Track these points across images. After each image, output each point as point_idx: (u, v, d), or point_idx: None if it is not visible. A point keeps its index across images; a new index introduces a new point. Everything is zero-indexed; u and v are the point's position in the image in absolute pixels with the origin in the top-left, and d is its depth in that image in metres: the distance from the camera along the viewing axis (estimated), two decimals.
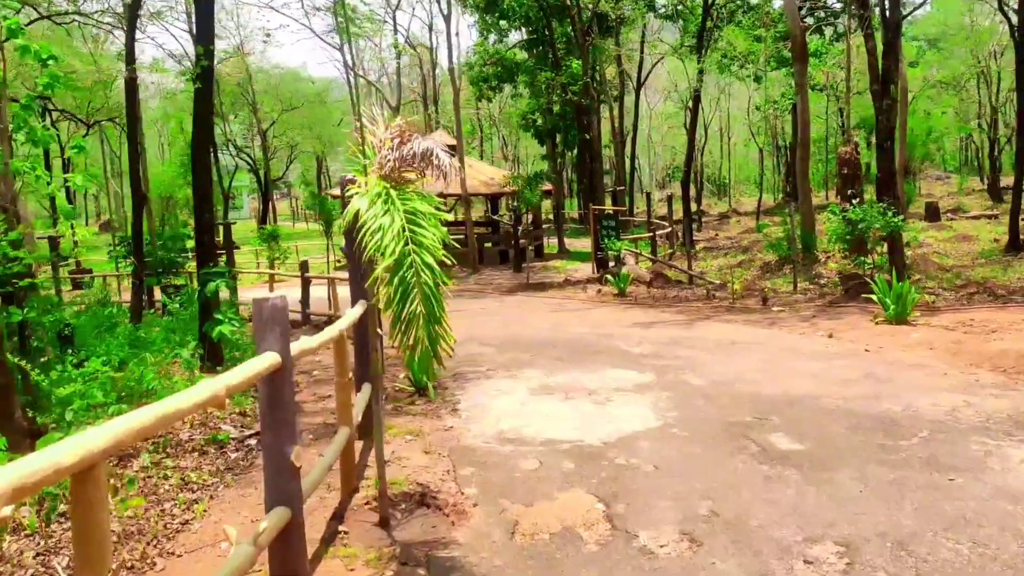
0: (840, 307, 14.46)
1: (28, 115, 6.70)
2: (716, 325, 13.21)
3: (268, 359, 3.69)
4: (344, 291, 11.69)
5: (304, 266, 14.46)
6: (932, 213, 29.34)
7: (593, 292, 18.60)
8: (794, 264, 17.76)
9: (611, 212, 22.69)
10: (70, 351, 9.69)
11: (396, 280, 4.36)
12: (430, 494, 5.54)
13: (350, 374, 5.71)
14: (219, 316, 8.72)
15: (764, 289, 17.07)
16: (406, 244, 4.37)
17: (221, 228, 16.01)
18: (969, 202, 36.96)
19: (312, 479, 4.48)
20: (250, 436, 7.20)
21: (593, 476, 5.99)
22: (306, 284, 14.02)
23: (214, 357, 9.18)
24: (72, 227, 17.12)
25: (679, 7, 35.15)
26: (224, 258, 16.11)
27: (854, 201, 18.33)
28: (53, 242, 17.64)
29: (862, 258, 16.27)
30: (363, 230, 4.41)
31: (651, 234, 24.49)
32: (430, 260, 4.43)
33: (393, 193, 4.53)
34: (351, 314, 5.92)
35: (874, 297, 12.94)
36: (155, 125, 46.81)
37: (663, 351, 10.87)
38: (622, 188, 34.74)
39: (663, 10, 37.49)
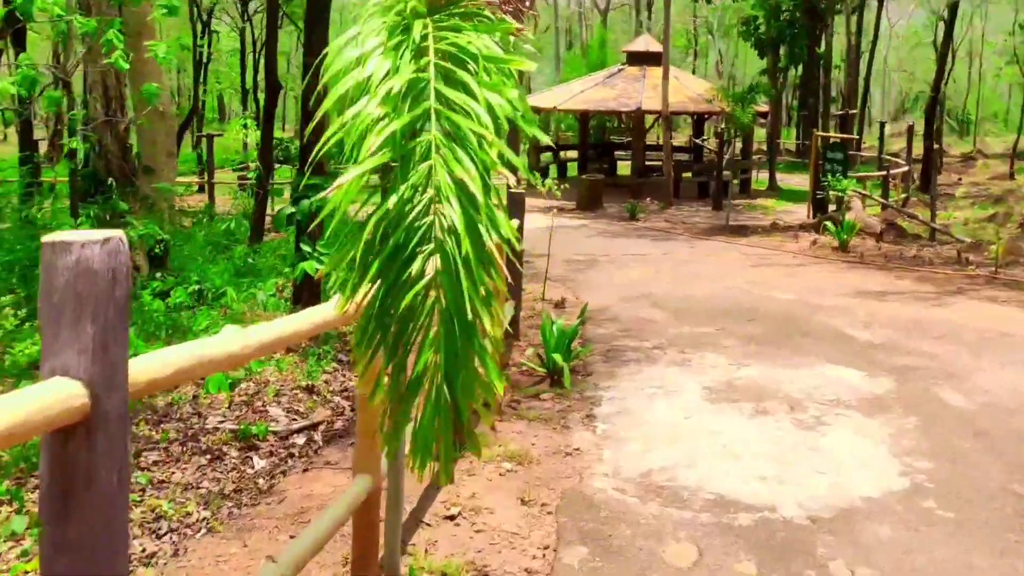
0: None
1: None
2: (975, 304, 9.78)
3: (51, 392, 1.49)
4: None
5: None
6: None
7: (807, 242, 15.28)
8: None
9: (839, 140, 18.87)
10: (158, 274, 8.25)
11: (372, 224, 1.79)
12: None
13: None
14: (305, 247, 6.73)
15: None
16: (422, 121, 1.78)
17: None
18: None
19: None
20: (301, 429, 5.23)
21: None
22: None
23: (309, 296, 7.23)
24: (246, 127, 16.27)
25: None
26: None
27: None
28: (210, 141, 16.75)
29: None
30: (327, 97, 1.88)
31: (884, 172, 20.36)
32: (471, 178, 1.76)
33: (414, 3, 1.94)
34: None
35: None
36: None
37: (902, 340, 7.85)
38: (853, 112, 29.75)
39: None
